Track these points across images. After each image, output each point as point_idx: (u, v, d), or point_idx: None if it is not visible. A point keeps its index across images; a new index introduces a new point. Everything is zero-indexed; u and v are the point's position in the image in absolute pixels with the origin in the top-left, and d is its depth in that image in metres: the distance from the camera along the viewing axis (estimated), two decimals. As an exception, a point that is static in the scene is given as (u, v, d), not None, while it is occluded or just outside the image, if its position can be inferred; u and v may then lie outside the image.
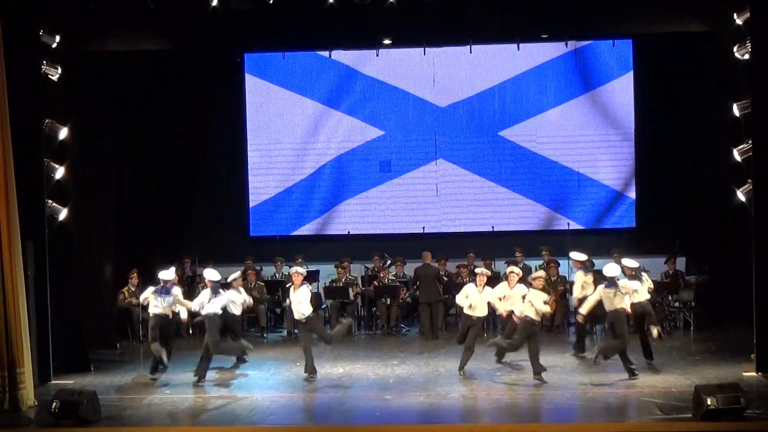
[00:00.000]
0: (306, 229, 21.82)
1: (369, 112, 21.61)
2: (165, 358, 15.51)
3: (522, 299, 15.01)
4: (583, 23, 17.95)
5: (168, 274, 15.75)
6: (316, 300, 17.38)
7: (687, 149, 19.96)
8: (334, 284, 19.57)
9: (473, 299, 15.41)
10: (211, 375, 15.59)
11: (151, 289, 15.77)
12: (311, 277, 19.80)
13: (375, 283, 19.36)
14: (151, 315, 15.64)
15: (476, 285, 15.50)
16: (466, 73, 21.35)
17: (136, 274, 19.02)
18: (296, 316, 15.43)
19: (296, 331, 17.29)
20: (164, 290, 15.60)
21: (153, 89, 19.98)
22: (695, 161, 19.71)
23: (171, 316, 15.82)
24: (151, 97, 20.07)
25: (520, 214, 21.45)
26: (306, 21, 17.44)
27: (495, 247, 20.64)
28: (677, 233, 19.76)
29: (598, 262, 17.85)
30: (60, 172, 16.07)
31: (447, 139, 21.54)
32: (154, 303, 15.58)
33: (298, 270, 15.74)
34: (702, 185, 19.53)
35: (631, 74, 21.13)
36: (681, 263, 19.61)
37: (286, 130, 21.76)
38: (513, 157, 21.42)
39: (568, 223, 21.26)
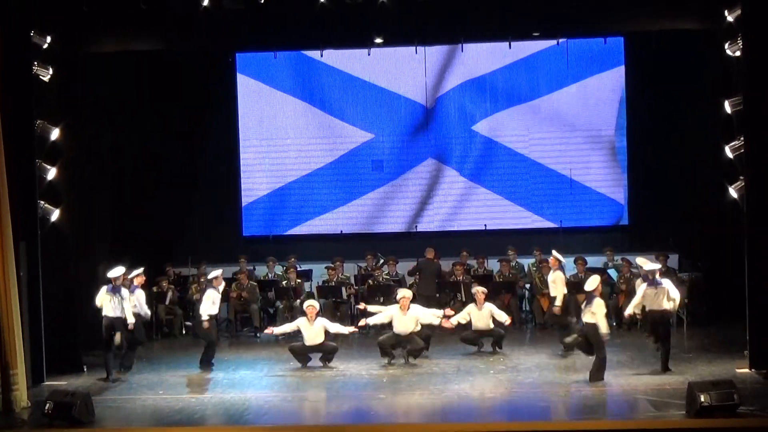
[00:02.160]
0: (299, 229, 21.81)
1: (360, 113, 21.58)
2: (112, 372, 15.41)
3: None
4: (576, 21, 17.97)
5: (116, 271, 15.43)
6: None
7: (680, 146, 19.97)
8: (327, 284, 19.55)
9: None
10: (204, 375, 15.60)
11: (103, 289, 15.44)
12: (304, 276, 19.84)
13: (369, 281, 19.33)
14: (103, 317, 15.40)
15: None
16: (457, 72, 21.33)
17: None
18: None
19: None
20: (115, 289, 15.33)
21: (146, 89, 19.96)
22: (688, 158, 19.70)
23: (125, 318, 15.38)
24: (145, 98, 20.05)
25: (512, 213, 21.43)
26: (297, 21, 17.44)
27: (488, 246, 20.63)
28: (670, 230, 19.76)
29: (590, 260, 17.87)
30: (52, 173, 16.03)
31: (438, 139, 21.52)
32: (109, 305, 15.29)
33: (406, 294, 16.21)
34: (695, 182, 19.55)
35: (622, 70, 21.12)
36: (674, 260, 19.61)
37: (277, 130, 21.74)
38: (503, 157, 21.39)
39: (561, 221, 21.27)
